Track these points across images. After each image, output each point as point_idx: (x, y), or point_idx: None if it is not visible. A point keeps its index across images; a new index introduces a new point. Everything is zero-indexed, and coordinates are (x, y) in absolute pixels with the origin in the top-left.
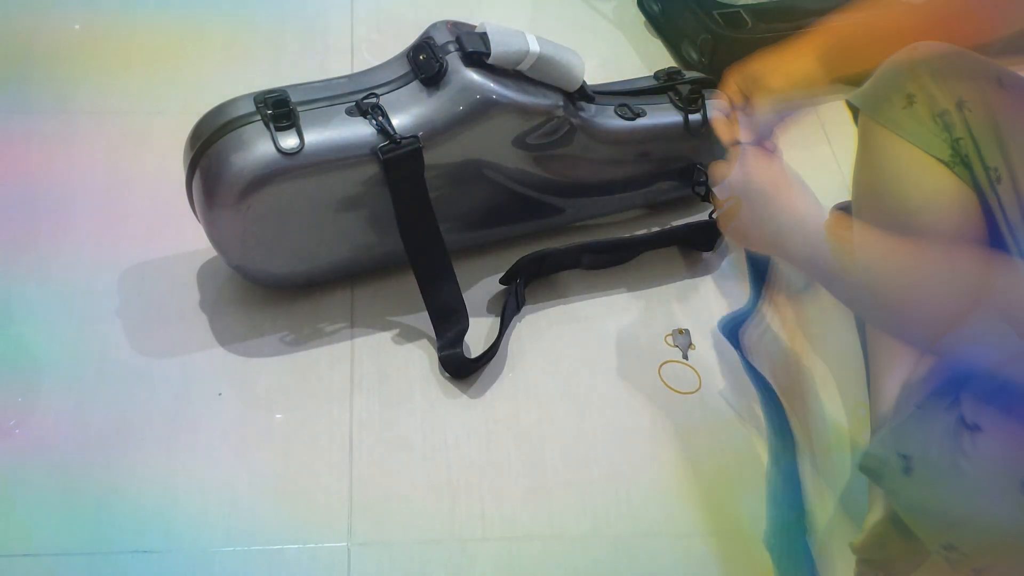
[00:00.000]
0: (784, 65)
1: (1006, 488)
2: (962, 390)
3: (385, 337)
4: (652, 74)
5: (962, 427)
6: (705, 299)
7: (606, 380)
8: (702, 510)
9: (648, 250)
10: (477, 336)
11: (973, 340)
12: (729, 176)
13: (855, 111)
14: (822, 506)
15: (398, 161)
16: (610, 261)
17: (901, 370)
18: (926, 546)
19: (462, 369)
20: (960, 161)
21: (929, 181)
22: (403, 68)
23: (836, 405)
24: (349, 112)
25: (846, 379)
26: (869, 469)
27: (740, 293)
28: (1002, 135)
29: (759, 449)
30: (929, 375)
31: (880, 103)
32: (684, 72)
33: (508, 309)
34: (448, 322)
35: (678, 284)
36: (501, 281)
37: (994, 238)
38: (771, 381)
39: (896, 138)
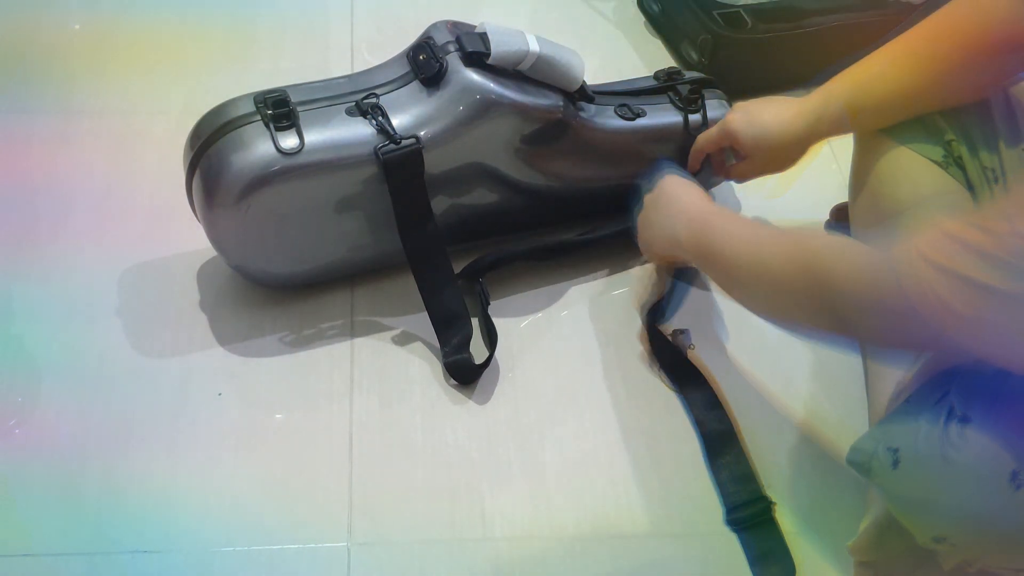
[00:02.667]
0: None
1: (995, 479)
2: (952, 382)
3: (385, 337)
4: (652, 74)
5: (952, 419)
6: (706, 298)
7: (606, 380)
8: (702, 510)
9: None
10: None
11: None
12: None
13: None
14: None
15: (398, 161)
16: (572, 250)
17: (897, 369)
18: (917, 540)
19: (469, 375)
20: (953, 162)
21: (923, 182)
22: (403, 68)
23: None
24: (349, 112)
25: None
26: (856, 463)
27: None
28: (999, 135)
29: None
30: (921, 370)
31: None
32: (684, 72)
33: (482, 309)
34: (451, 328)
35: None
36: (459, 275)
37: None
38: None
39: (890, 140)
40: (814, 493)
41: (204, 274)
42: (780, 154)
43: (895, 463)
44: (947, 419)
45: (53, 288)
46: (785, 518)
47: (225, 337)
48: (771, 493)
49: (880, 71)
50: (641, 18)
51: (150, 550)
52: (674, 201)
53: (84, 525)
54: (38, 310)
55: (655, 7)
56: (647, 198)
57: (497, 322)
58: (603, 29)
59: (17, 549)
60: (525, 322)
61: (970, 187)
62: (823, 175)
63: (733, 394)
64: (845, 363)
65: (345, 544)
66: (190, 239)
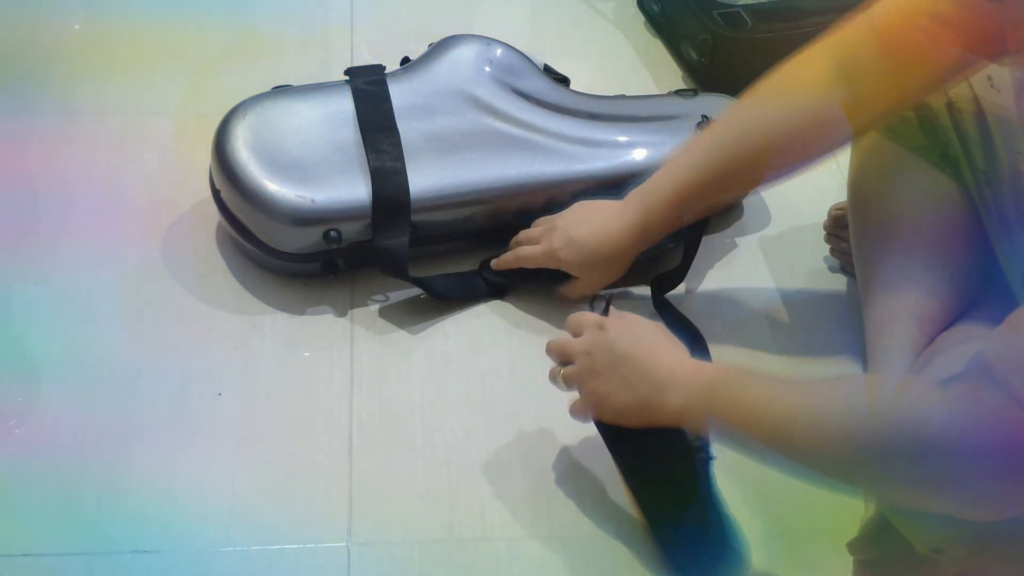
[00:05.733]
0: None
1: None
2: None
3: (385, 337)
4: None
5: None
6: (704, 298)
7: None
8: None
9: None
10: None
11: (964, 341)
12: (580, 344)
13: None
14: None
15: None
16: None
17: (895, 371)
18: (916, 548)
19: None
20: (950, 163)
21: (921, 183)
22: None
23: None
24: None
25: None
26: None
27: (740, 283)
28: (993, 136)
29: None
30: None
31: None
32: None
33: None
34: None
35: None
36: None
37: (985, 240)
38: None
39: (888, 141)
40: (813, 491)
41: (204, 274)
42: (608, 270)
43: None
44: None
45: (53, 288)
46: (786, 516)
47: (225, 337)
48: (769, 491)
49: (693, 163)
50: (641, 18)
51: (150, 550)
52: (648, 360)
53: (84, 525)
54: (38, 310)
55: (655, 7)
56: (597, 348)
57: (495, 321)
58: (603, 29)
59: (17, 549)
60: (524, 322)
61: (966, 188)
62: (823, 175)
63: None
64: (845, 363)
65: (345, 544)
66: (190, 239)
